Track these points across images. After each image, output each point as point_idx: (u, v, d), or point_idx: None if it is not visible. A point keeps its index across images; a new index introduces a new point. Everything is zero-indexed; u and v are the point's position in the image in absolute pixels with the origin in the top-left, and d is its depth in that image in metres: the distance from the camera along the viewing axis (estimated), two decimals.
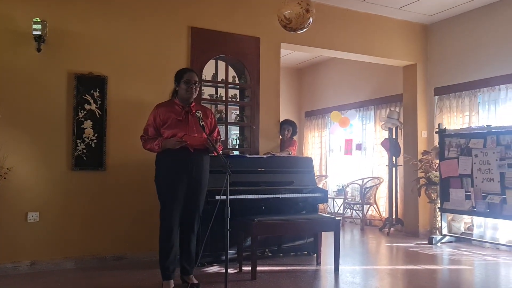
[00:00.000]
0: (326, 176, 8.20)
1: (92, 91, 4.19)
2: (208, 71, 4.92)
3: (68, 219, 4.09)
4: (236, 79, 5.17)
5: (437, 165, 5.71)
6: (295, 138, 5.79)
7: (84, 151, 4.15)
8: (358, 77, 7.83)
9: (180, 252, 3.35)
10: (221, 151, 3.31)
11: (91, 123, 4.18)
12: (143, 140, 3.35)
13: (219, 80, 5.05)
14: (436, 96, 6.18)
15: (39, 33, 3.91)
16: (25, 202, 3.93)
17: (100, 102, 4.22)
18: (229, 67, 5.09)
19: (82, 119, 4.14)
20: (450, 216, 5.77)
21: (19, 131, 3.93)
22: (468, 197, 5.14)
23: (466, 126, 5.60)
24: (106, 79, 4.25)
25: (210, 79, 4.98)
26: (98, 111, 4.21)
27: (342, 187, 7.50)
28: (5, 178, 3.80)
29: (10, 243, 3.86)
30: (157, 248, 3.30)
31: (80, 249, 4.12)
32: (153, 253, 4.24)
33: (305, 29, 3.74)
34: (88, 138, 4.17)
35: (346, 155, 7.91)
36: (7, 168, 3.82)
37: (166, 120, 3.28)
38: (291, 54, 7.75)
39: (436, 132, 5.74)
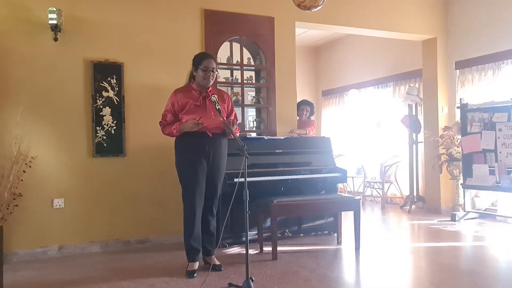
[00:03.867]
0: (345, 155, 8.19)
1: (109, 78, 4.26)
2: (222, 53, 4.92)
3: (91, 204, 4.21)
4: (251, 60, 5.17)
5: (459, 140, 5.65)
6: (313, 118, 5.79)
7: (104, 137, 4.24)
8: (375, 54, 7.72)
9: (201, 234, 3.42)
10: (238, 134, 3.34)
11: (110, 110, 4.25)
12: (162, 126, 3.40)
13: (234, 62, 5.05)
14: (458, 70, 6.06)
15: (55, 22, 3.97)
16: (50, 189, 4.07)
17: (117, 88, 4.29)
18: (244, 48, 5.08)
19: (101, 106, 4.22)
20: (473, 192, 5.73)
21: (40, 121, 4.04)
22: (492, 172, 5.08)
23: (489, 100, 5.50)
24: (122, 66, 4.30)
25: (225, 61, 4.99)
26: (116, 98, 4.28)
27: (362, 166, 7.49)
28: (30, 166, 3.94)
29: (38, 229, 4.02)
30: (180, 231, 3.38)
31: (105, 233, 4.25)
32: (176, 236, 4.36)
33: (319, 7, 3.69)
34: (107, 125, 4.25)
35: (365, 133, 7.87)
36: (32, 157, 3.96)
37: (184, 106, 3.32)
38: (306, 32, 7.67)
39: (457, 107, 5.66)
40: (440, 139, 5.93)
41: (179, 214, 3.49)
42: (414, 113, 6.55)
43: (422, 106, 6.50)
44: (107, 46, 4.29)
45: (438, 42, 6.14)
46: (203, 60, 3.34)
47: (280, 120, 5.09)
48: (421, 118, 6.53)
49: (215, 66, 3.37)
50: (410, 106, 6.54)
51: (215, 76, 3.39)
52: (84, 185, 4.19)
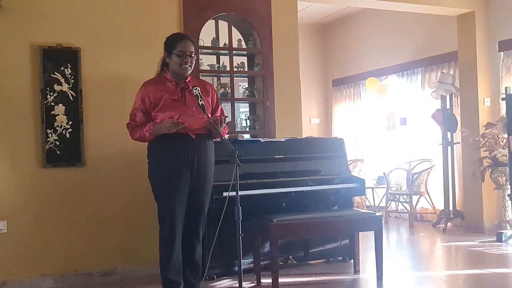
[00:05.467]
0: (362, 161, 8.20)
1: (62, 68, 4.23)
2: (206, 34, 4.92)
3: (43, 228, 4.17)
4: (243, 43, 5.17)
5: (505, 140, 5.66)
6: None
7: (57, 143, 4.21)
8: (399, 33, 7.74)
9: (183, 263, 3.41)
10: (226, 136, 3.34)
11: (64, 108, 4.22)
12: (131, 129, 3.39)
13: (221, 45, 5.05)
14: (502, 52, 6.08)
15: None
16: None
17: (73, 81, 4.27)
18: (233, 28, 5.08)
19: (52, 103, 4.20)
20: None
21: None
22: None
23: None
24: (78, 52, 4.28)
25: (210, 44, 4.99)
26: (71, 92, 4.26)
27: (384, 174, 7.51)
28: None
29: None
30: (155, 260, 3.36)
31: (60, 264, 4.21)
32: (150, 267, 4.32)
33: None
34: (60, 127, 4.22)
35: (388, 132, 7.90)
36: None
37: (158, 101, 3.31)
38: (312, 6, 7.68)
39: (502, 99, 5.68)
40: (481, 139, 5.94)
41: (154, 238, 3.46)
42: (448, 106, 6.56)
43: (459, 98, 6.52)
44: (60, 27, 4.26)
45: (477, 17, 6.16)
46: (177, 43, 3.34)
47: (280, 118, 5.08)
48: (457, 113, 6.54)
49: (193, 50, 3.37)
50: (443, 98, 6.56)
51: (193, 62, 3.39)
52: (32, 203, 4.15)
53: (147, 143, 3.41)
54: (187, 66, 3.34)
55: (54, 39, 4.23)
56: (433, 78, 7.08)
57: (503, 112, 5.78)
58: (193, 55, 3.37)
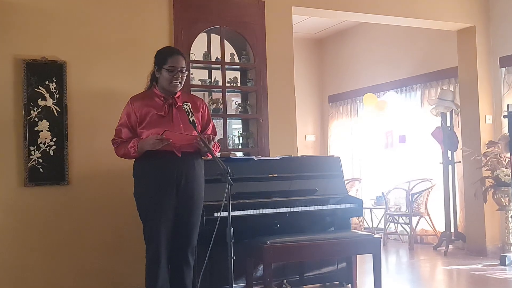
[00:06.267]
0: (359, 180, 8.19)
1: (47, 82, 4.23)
2: (197, 48, 4.93)
3: (23, 250, 4.13)
4: (236, 57, 5.19)
5: (507, 159, 5.67)
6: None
7: (40, 160, 4.19)
8: (397, 48, 7.79)
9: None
10: (218, 153, 3.32)
11: (48, 123, 4.21)
12: (116, 145, 3.38)
13: (213, 59, 5.06)
14: (503, 68, 6.13)
15: None
16: None
17: (58, 95, 4.26)
18: (226, 41, 5.10)
19: (36, 119, 4.18)
20: None
21: None
22: None
23: None
24: (64, 66, 4.28)
25: (201, 58, 5.00)
26: (56, 107, 4.25)
27: (382, 194, 7.50)
28: None
29: None
30: (141, 285, 3.32)
31: None
32: None
33: None
34: (44, 144, 4.20)
35: (386, 150, 7.91)
36: None
37: (144, 117, 3.31)
38: (307, 20, 7.73)
39: (504, 116, 5.70)
40: (483, 158, 5.95)
41: (141, 261, 3.43)
42: (448, 124, 6.59)
43: (459, 115, 6.55)
44: (45, 40, 4.26)
45: (477, 32, 6.23)
46: (168, 57, 3.34)
47: (274, 135, 5.08)
48: (458, 130, 6.57)
49: (184, 65, 3.37)
50: (443, 115, 6.59)
51: (184, 78, 3.39)
52: (12, 224, 4.11)
53: (134, 160, 3.39)
54: (177, 82, 3.34)
55: (39, 52, 4.23)
56: (432, 95, 7.12)
57: (506, 130, 5.80)
58: (184, 71, 3.36)
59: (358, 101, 8.51)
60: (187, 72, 3.46)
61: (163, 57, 3.37)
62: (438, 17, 6.01)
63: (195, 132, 3.25)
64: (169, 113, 3.34)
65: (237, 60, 5.17)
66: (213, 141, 3.33)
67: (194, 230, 3.42)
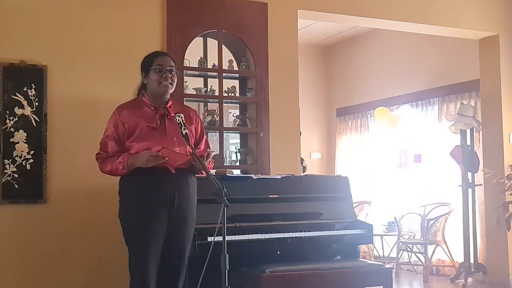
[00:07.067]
0: (369, 203, 8.18)
1: (25, 88, 4.24)
2: (192, 54, 4.97)
3: None
4: (234, 64, 5.22)
5: None
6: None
7: (16, 175, 4.19)
8: (413, 57, 7.83)
9: None
10: (213, 171, 3.34)
11: (25, 134, 4.22)
12: (100, 160, 3.36)
13: (209, 66, 5.09)
14: None
15: None
16: None
17: (37, 103, 4.27)
18: (224, 47, 5.14)
19: (12, 129, 4.19)
20: None
21: None
22: None
23: None
24: (45, 70, 4.30)
25: (196, 65, 5.03)
26: (35, 116, 4.26)
27: (395, 219, 7.50)
28: None
29: None
30: None
31: None
32: None
33: None
34: (20, 157, 4.21)
35: (399, 170, 7.91)
36: None
37: (134, 129, 3.31)
38: (314, 25, 7.80)
39: None
40: (507, 181, 5.96)
41: None
42: (469, 143, 6.60)
43: (481, 132, 6.57)
44: (24, 42, 4.29)
45: (501, 41, 6.27)
46: (154, 58, 3.38)
47: (276, 151, 5.09)
48: (479, 150, 6.58)
49: (173, 65, 3.40)
50: (463, 132, 6.60)
51: (175, 80, 3.41)
52: None
53: (119, 177, 3.39)
54: (168, 83, 3.34)
55: (17, 55, 4.25)
56: (451, 110, 7.14)
57: None
58: (173, 72, 3.38)
59: (369, 115, 8.53)
60: (177, 73, 3.45)
61: (149, 59, 3.40)
62: (458, 24, 6.05)
63: (189, 146, 3.25)
64: (161, 124, 3.35)
65: (236, 68, 5.20)
66: (209, 157, 3.33)
67: (184, 255, 3.41)
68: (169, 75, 3.35)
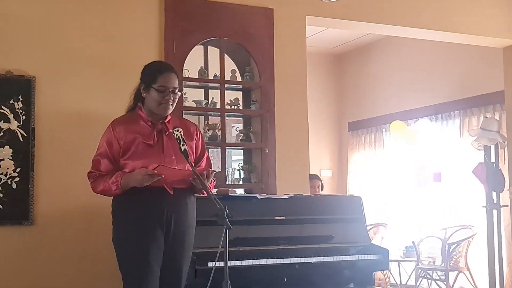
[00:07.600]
0: (385, 226, 8.16)
1: (11, 101, 4.25)
2: (192, 63, 4.98)
3: None
4: (238, 74, 5.23)
5: None
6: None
7: (0, 195, 4.19)
8: (432, 67, 7.85)
9: None
10: (214, 190, 3.33)
11: (11, 151, 4.22)
12: (93, 179, 3.36)
13: (211, 77, 5.10)
14: None
15: None
16: None
17: (24, 117, 4.28)
18: (226, 56, 5.15)
19: None
20: None
21: None
22: None
23: None
24: (33, 81, 4.31)
25: (197, 75, 5.03)
26: (22, 131, 4.26)
27: (413, 243, 7.47)
28: None
29: None
30: None
31: None
32: None
33: None
34: (6, 175, 4.21)
35: (417, 190, 7.89)
36: None
37: (129, 146, 3.30)
38: (324, 32, 7.83)
39: None
40: None
41: None
42: (493, 159, 6.58)
43: (506, 149, 6.55)
44: (11, 51, 4.30)
45: None
46: (158, 75, 3.35)
47: (283, 169, 5.08)
48: (504, 168, 6.56)
49: (177, 85, 3.39)
50: (487, 149, 6.59)
51: (176, 99, 3.40)
52: None
53: (112, 198, 3.38)
54: (169, 104, 3.35)
55: (3, 65, 4.26)
56: (474, 124, 7.13)
57: None
58: (176, 91, 3.37)
59: (384, 130, 8.54)
60: (180, 93, 3.47)
61: (152, 74, 3.37)
62: (481, 31, 6.06)
63: (189, 165, 3.24)
64: (158, 141, 3.35)
65: (239, 78, 5.21)
66: (211, 176, 3.32)
67: (182, 282, 3.40)
68: (171, 96, 3.34)
